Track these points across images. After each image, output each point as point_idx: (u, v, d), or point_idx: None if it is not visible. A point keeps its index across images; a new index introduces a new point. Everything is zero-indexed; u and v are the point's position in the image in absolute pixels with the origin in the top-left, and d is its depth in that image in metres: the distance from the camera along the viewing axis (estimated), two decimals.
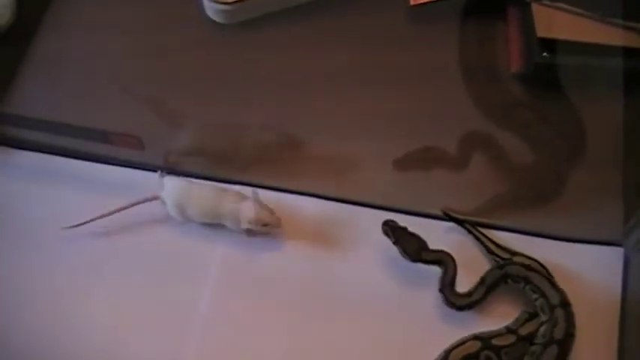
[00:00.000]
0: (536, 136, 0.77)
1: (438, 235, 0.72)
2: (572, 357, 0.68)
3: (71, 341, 0.72)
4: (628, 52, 0.75)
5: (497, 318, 0.69)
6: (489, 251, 0.72)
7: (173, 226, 0.76)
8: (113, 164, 0.80)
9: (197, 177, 0.78)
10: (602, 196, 0.74)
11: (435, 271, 0.70)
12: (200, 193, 0.73)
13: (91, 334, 0.72)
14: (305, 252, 0.74)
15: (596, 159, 0.76)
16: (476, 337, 0.68)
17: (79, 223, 0.75)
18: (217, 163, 0.80)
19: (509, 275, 0.69)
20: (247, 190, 0.73)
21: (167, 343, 0.71)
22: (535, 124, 0.79)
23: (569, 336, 0.67)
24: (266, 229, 0.72)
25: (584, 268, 0.72)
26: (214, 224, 0.74)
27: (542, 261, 0.71)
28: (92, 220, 0.75)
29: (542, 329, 0.68)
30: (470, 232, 0.72)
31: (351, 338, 0.70)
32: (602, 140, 0.76)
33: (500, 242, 0.72)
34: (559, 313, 0.67)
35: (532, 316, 0.69)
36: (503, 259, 0.71)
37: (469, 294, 0.69)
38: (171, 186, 0.74)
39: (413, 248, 0.70)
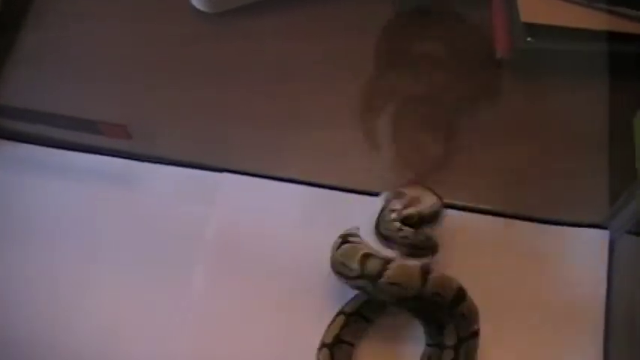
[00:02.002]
0: (522, 121, 0.78)
1: None
2: (562, 341, 0.69)
3: (66, 328, 0.72)
4: (613, 36, 0.76)
5: None
6: None
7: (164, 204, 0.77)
8: (102, 154, 0.80)
9: (186, 165, 0.78)
10: (587, 179, 0.75)
11: None
12: None
13: (88, 320, 0.73)
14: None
15: (581, 143, 0.76)
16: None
17: None
18: (206, 152, 0.80)
19: None
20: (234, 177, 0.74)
21: (162, 329, 0.72)
22: (521, 109, 0.79)
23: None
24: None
25: (570, 252, 0.72)
26: None
27: (526, 245, 0.72)
28: None
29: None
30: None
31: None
32: (587, 124, 0.77)
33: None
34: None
35: None
36: None
37: None
38: None
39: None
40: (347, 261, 0.66)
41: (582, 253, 0.72)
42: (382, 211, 0.67)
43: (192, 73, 0.83)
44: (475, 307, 0.65)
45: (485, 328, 0.68)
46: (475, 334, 0.66)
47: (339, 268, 0.67)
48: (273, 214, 0.75)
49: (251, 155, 0.79)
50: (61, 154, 0.80)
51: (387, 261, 0.64)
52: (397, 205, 0.67)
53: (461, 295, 0.64)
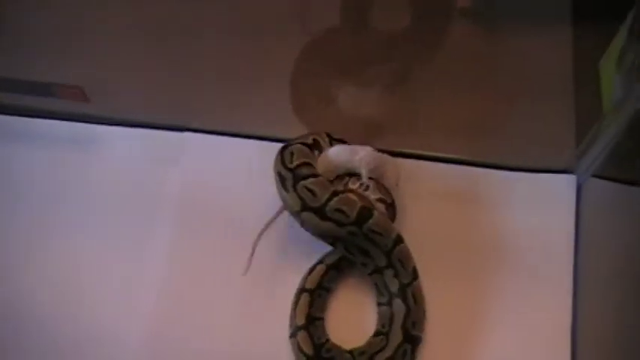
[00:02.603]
0: (484, 68, 0.77)
1: None
2: (531, 288, 0.68)
3: (26, 293, 0.71)
4: None
5: None
6: None
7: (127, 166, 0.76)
8: (61, 119, 0.78)
9: (147, 127, 0.77)
10: (553, 125, 0.74)
11: None
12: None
13: (50, 286, 0.71)
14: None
15: (546, 89, 0.75)
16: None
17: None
18: (167, 112, 0.78)
19: None
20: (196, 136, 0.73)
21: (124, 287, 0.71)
22: (483, 56, 0.78)
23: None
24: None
25: (537, 198, 0.72)
26: None
27: (492, 193, 0.72)
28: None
29: None
30: None
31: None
32: (552, 70, 0.76)
33: None
34: None
35: None
36: None
37: None
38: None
39: None
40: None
41: (549, 199, 0.72)
42: None
43: (150, 33, 0.81)
44: (408, 250, 0.66)
45: (449, 279, 0.69)
46: (415, 276, 0.66)
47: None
48: (236, 172, 0.74)
49: (212, 114, 0.77)
50: (17, 120, 0.79)
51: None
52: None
53: (398, 239, 0.65)
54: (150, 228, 0.73)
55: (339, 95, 0.78)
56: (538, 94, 0.75)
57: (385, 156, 0.70)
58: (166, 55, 0.80)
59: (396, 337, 0.65)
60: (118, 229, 0.73)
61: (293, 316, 0.68)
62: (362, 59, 0.78)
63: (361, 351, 0.66)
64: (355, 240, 0.65)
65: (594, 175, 0.70)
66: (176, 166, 0.75)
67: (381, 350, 0.65)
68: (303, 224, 0.67)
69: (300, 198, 0.65)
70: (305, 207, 0.65)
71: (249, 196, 0.73)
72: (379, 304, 0.68)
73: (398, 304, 0.66)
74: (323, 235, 0.66)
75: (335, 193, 0.65)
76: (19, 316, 0.70)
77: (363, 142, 0.70)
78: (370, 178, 0.69)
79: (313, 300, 0.68)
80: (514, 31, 0.77)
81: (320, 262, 0.69)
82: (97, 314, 0.70)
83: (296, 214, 0.66)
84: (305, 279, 0.69)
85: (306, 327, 0.67)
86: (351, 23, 0.80)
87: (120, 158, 0.76)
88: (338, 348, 0.66)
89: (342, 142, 0.71)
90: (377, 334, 0.67)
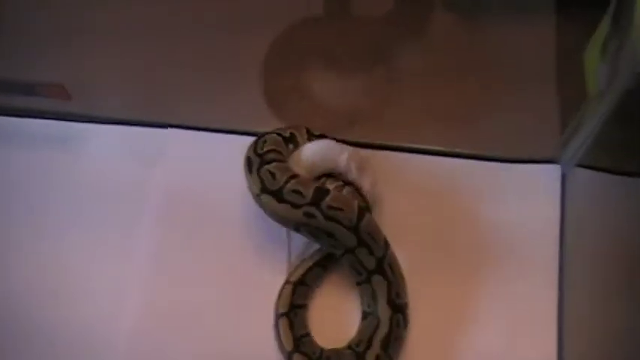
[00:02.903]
0: (466, 58, 0.77)
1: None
2: (516, 279, 0.68)
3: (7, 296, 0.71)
4: None
5: None
6: None
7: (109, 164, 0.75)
8: (42, 118, 0.78)
9: (129, 124, 0.77)
10: (537, 115, 0.74)
11: None
12: None
13: (32, 286, 0.71)
14: None
15: (529, 78, 0.75)
16: None
17: None
18: (149, 109, 0.78)
19: None
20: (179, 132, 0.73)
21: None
22: (464, 46, 0.77)
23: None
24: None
25: (521, 188, 0.72)
26: None
27: (477, 183, 0.72)
28: None
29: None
30: None
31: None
32: (535, 59, 0.76)
33: None
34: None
35: None
36: None
37: None
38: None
39: None
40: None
41: (534, 190, 0.72)
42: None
43: (130, 31, 0.81)
44: (374, 221, 0.65)
45: (434, 271, 0.69)
46: (387, 245, 0.66)
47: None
48: (219, 167, 0.74)
49: (194, 110, 0.77)
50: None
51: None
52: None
53: (362, 212, 0.65)
54: (135, 225, 0.72)
55: (321, 87, 0.78)
56: (522, 84, 0.75)
57: (366, 157, 0.70)
58: (147, 52, 0.80)
59: (385, 312, 0.65)
60: (103, 227, 0.73)
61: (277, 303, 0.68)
62: (344, 51, 0.78)
63: (357, 341, 0.66)
64: (317, 222, 0.64)
65: (578, 165, 0.70)
66: (159, 163, 0.75)
67: (376, 329, 0.65)
68: (263, 208, 0.67)
69: (261, 180, 0.65)
70: (264, 189, 0.65)
71: (233, 191, 0.72)
72: (358, 284, 0.67)
73: (378, 279, 0.65)
74: (284, 220, 0.66)
75: (294, 176, 0.65)
76: (9, 317, 0.70)
77: (344, 135, 0.70)
78: (349, 182, 0.68)
79: (295, 291, 0.68)
80: (497, 20, 0.77)
81: (306, 258, 0.69)
82: (84, 314, 0.70)
83: (257, 197, 0.67)
84: (291, 274, 0.69)
85: (287, 314, 0.67)
86: (333, 12, 0.80)
87: (103, 156, 0.76)
88: (336, 350, 0.66)
89: (323, 137, 0.70)
90: (365, 316, 0.67)
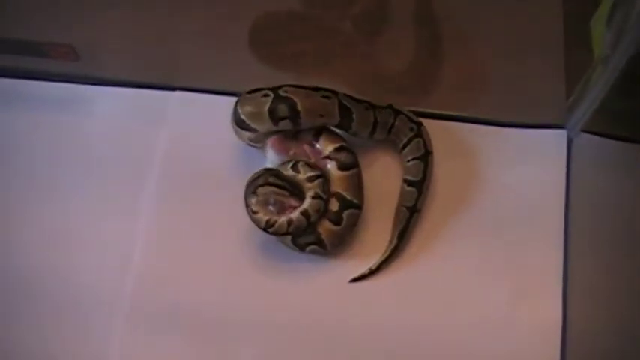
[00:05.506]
0: (473, 26, 0.76)
1: None
2: (522, 243, 0.69)
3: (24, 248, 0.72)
4: None
5: None
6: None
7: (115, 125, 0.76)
8: (50, 80, 0.78)
9: (136, 86, 0.77)
10: (544, 82, 0.73)
11: None
12: None
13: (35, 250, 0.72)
14: None
15: (535, 45, 0.74)
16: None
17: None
18: (156, 71, 0.78)
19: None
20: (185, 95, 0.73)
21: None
22: (474, 14, 0.77)
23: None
24: None
25: (528, 153, 0.72)
26: None
27: (485, 148, 0.72)
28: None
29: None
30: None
31: None
32: (542, 27, 0.75)
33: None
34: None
35: None
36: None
37: None
38: None
39: None
40: None
41: (540, 155, 0.72)
42: None
43: None
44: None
45: (443, 231, 0.69)
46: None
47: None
48: (224, 129, 0.73)
49: (201, 72, 0.77)
50: (5, 82, 0.78)
51: None
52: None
53: None
54: (139, 186, 0.73)
55: (331, 57, 0.77)
56: (529, 52, 0.75)
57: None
58: (155, 16, 0.79)
59: None
60: (108, 187, 0.73)
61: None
62: (350, 24, 0.78)
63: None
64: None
65: (584, 131, 0.71)
66: (164, 125, 0.75)
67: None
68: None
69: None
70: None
71: (236, 152, 0.73)
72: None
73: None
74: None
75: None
76: (15, 279, 0.71)
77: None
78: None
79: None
80: None
81: None
82: (90, 274, 0.70)
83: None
84: None
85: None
86: None
87: (110, 118, 0.76)
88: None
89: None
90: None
